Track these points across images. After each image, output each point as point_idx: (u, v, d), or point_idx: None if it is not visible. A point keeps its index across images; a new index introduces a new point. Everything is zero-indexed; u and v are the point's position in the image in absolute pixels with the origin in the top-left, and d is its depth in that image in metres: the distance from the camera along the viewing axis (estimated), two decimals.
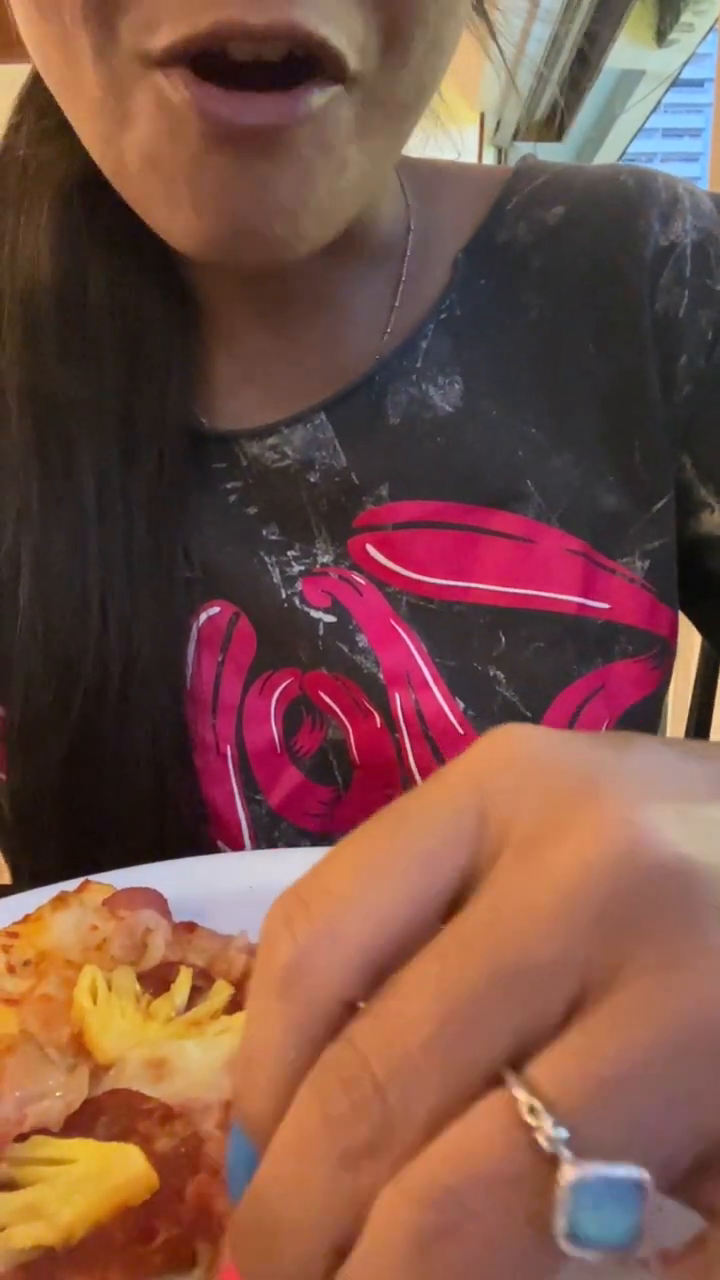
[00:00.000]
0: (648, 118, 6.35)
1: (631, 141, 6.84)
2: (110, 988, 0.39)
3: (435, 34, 0.44)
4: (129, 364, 0.55)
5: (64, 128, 0.54)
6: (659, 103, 5.98)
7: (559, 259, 0.60)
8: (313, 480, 0.58)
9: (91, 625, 0.54)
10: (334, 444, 0.58)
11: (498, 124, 5.09)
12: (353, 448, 0.58)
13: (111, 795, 0.56)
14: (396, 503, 0.58)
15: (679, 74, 5.40)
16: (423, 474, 0.58)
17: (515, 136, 5.49)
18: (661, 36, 4.83)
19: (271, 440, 0.58)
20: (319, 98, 0.42)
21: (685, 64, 5.21)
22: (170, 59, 0.41)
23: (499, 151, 5.47)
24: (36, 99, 0.56)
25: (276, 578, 0.58)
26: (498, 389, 0.59)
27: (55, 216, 0.55)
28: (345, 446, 0.58)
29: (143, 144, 0.44)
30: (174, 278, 0.57)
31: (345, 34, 0.41)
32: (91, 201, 0.55)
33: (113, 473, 0.55)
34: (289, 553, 0.58)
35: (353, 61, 0.42)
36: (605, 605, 0.58)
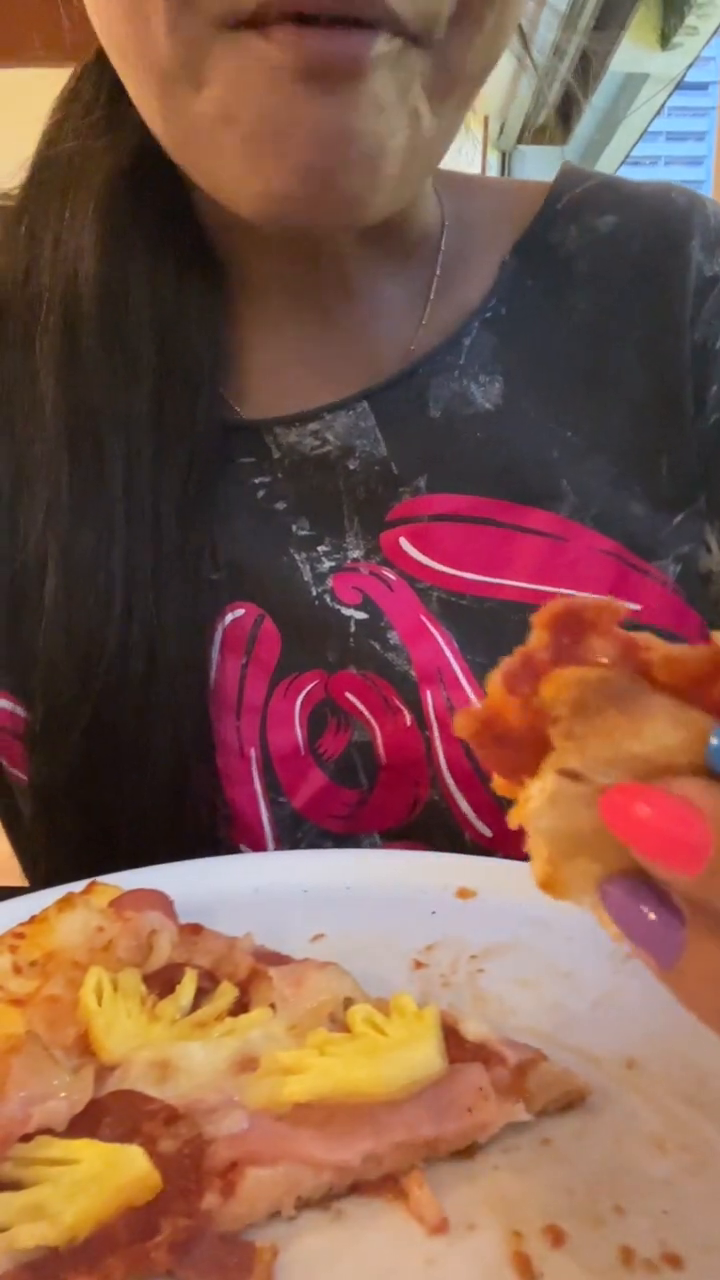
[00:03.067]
0: (651, 121, 6.35)
1: (635, 145, 6.84)
2: (116, 989, 0.39)
3: (503, 13, 0.46)
4: (164, 358, 0.55)
5: (109, 122, 0.55)
6: (663, 106, 5.98)
7: (607, 266, 0.60)
8: (352, 468, 0.58)
9: (114, 620, 0.54)
10: (375, 432, 0.58)
11: (501, 127, 5.10)
12: (394, 438, 0.58)
13: (132, 792, 0.56)
14: (434, 495, 0.58)
15: (683, 77, 5.40)
16: (462, 467, 0.58)
17: (519, 140, 5.49)
18: (665, 40, 4.83)
19: (313, 426, 0.58)
20: (388, 43, 0.43)
21: (689, 67, 5.21)
22: (262, 19, 0.42)
23: (503, 155, 5.47)
24: (82, 94, 0.57)
25: (307, 575, 0.58)
26: (538, 389, 0.59)
27: (100, 209, 0.55)
28: (386, 436, 0.58)
29: (222, 100, 0.44)
30: (213, 268, 0.58)
31: (413, 3, 0.43)
32: (136, 194, 0.55)
33: (143, 468, 0.55)
34: (319, 548, 0.58)
35: (415, 24, 0.43)
36: (637, 607, 0.58)
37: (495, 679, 0.26)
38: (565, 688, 0.24)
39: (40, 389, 0.55)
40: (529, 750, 0.25)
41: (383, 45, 0.43)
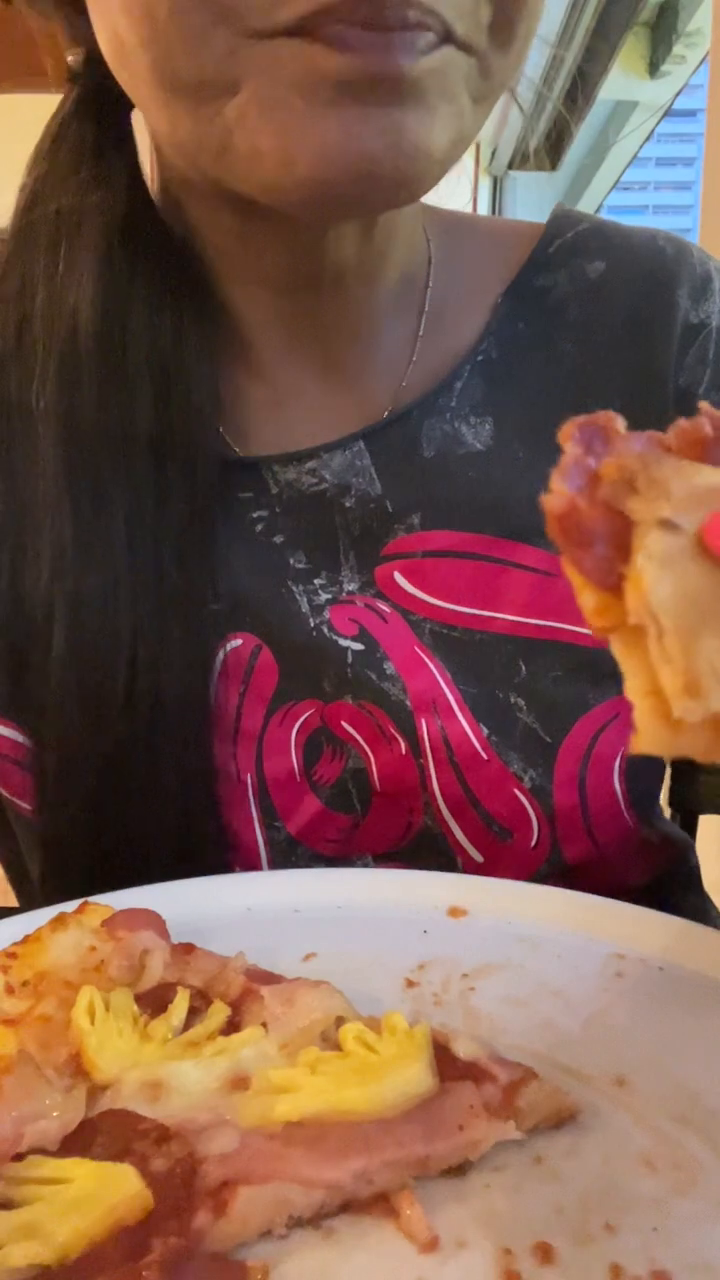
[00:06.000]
0: (641, 147, 6.42)
1: (625, 170, 6.91)
2: (108, 1008, 0.39)
3: (531, 23, 0.47)
4: (163, 409, 0.56)
5: (99, 179, 0.55)
6: (652, 132, 6.05)
7: (596, 313, 0.61)
8: (348, 505, 0.59)
9: (122, 667, 0.54)
10: (370, 471, 0.59)
11: (493, 153, 5.15)
12: (388, 477, 0.59)
13: (138, 828, 0.56)
14: (427, 532, 0.59)
15: (671, 104, 5.47)
16: (454, 505, 0.59)
17: (510, 165, 5.55)
18: (654, 68, 4.90)
19: (310, 464, 0.59)
20: (438, 53, 0.43)
21: (677, 95, 5.28)
22: (299, 29, 0.42)
23: (494, 180, 5.53)
24: (66, 145, 0.57)
25: (304, 607, 0.59)
26: (525, 432, 0.60)
27: (99, 267, 0.55)
28: (381, 475, 0.59)
29: (258, 105, 0.44)
30: (210, 311, 0.58)
31: (454, 6, 0.43)
32: (133, 247, 0.55)
33: (145, 517, 0.55)
34: (315, 581, 0.59)
35: (460, 27, 0.44)
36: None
37: (555, 479, 0.27)
38: (625, 456, 0.26)
39: (40, 443, 0.55)
40: (612, 546, 0.26)
41: (425, 57, 0.43)
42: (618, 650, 0.26)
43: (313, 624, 0.58)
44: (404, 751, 0.58)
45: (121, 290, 0.55)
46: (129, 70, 0.48)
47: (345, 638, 0.58)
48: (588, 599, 0.26)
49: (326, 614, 0.59)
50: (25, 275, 0.57)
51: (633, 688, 0.25)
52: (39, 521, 0.56)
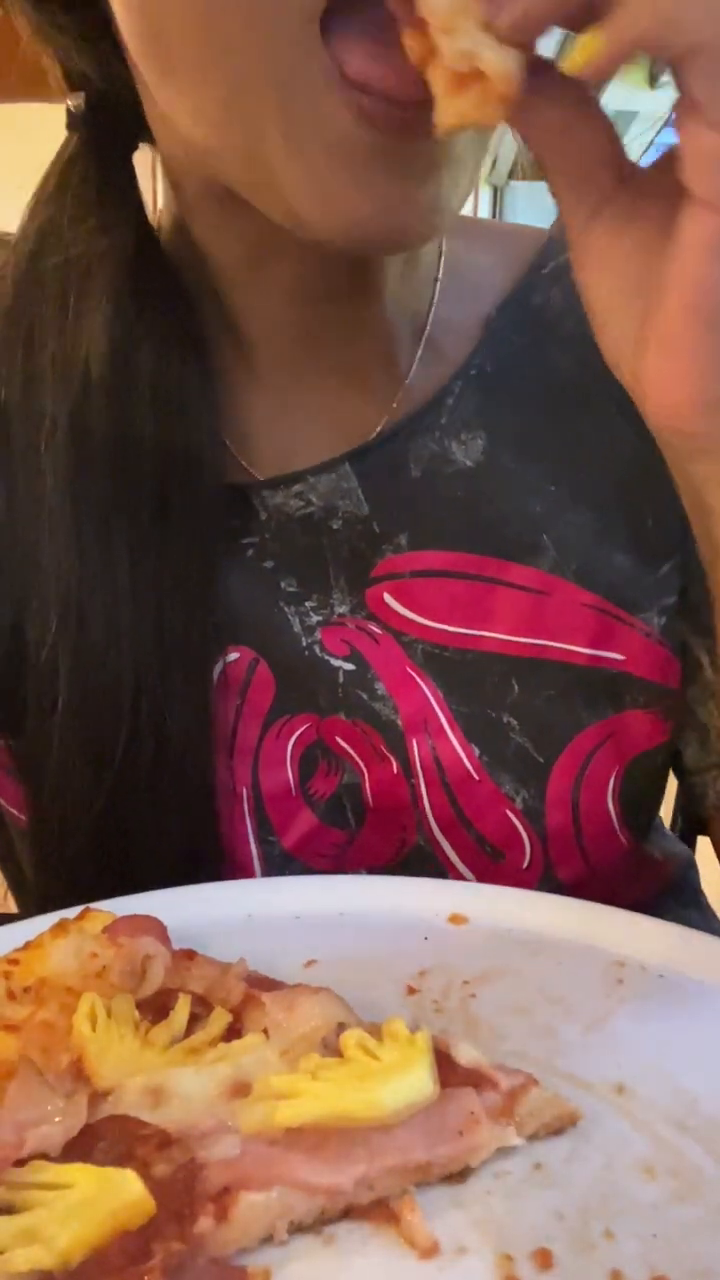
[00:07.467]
0: (640, 157, 6.44)
1: None
2: (109, 1014, 0.39)
3: None
4: (167, 441, 0.55)
5: (107, 225, 0.55)
6: (652, 143, 6.08)
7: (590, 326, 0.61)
8: (335, 527, 0.59)
9: (124, 718, 0.54)
10: (357, 493, 0.59)
11: (493, 163, 5.17)
12: (375, 497, 0.59)
13: (138, 850, 0.56)
14: (415, 552, 0.58)
15: (671, 115, 5.48)
16: (442, 525, 0.59)
17: (511, 175, 5.57)
18: (654, 79, 4.91)
19: (297, 488, 0.59)
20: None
21: None
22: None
23: (495, 190, 5.55)
24: (72, 192, 0.56)
25: (296, 627, 0.59)
26: (518, 444, 0.59)
27: (109, 317, 0.55)
28: (368, 496, 0.59)
29: (298, 155, 0.43)
30: (214, 325, 0.58)
31: None
32: (142, 293, 0.55)
33: (148, 565, 0.55)
34: (306, 604, 0.59)
35: None
36: (620, 657, 0.59)
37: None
38: None
39: (47, 492, 0.55)
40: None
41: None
42: (432, 77, 0.36)
43: (305, 644, 0.59)
44: (396, 771, 0.58)
45: (131, 337, 0.55)
46: (164, 59, 0.46)
47: (337, 658, 0.59)
48: (408, 38, 0.37)
49: (318, 635, 0.59)
50: (32, 326, 0.56)
51: (435, 88, 0.36)
52: (44, 571, 0.55)
